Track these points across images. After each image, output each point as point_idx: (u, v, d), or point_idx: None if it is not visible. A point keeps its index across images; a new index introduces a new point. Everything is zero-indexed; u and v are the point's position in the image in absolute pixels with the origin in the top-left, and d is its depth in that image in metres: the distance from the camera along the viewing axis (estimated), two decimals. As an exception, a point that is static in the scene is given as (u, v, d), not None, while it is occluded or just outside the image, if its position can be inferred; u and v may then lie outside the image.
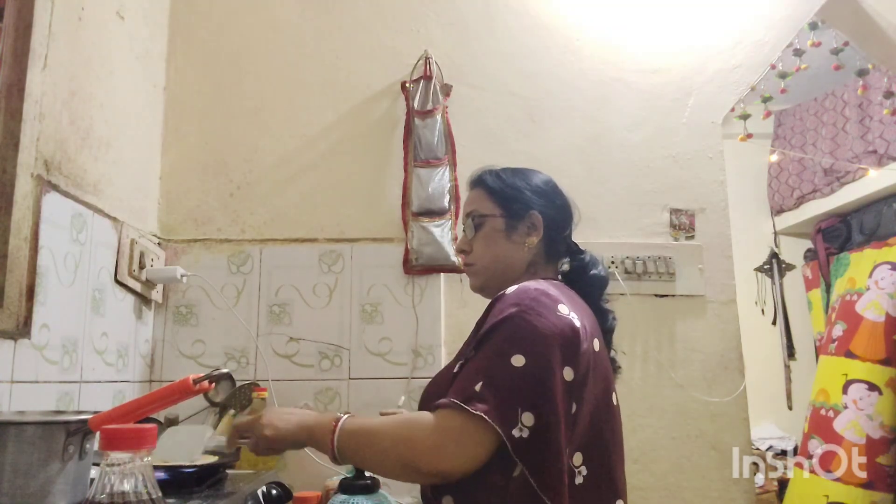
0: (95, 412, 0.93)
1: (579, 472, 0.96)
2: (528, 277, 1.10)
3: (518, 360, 0.91)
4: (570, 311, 0.98)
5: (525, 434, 0.87)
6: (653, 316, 1.91)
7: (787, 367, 3.65)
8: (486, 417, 0.86)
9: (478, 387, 0.89)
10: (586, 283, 1.14)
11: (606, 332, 1.13)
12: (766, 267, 3.75)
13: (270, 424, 1.01)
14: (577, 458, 0.96)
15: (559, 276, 1.15)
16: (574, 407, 0.95)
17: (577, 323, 0.97)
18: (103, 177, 1.55)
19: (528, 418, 0.88)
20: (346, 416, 0.97)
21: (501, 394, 0.89)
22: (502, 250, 1.14)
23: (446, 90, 1.94)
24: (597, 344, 1.02)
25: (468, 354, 0.98)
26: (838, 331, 2.85)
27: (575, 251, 1.18)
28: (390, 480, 1.31)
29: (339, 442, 0.95)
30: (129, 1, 1.70)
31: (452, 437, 0.88)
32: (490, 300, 1.04)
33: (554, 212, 1.16)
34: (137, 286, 1.68)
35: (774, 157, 3.81)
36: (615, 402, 1.06)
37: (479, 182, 1.20)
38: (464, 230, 1.21)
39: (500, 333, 0.94)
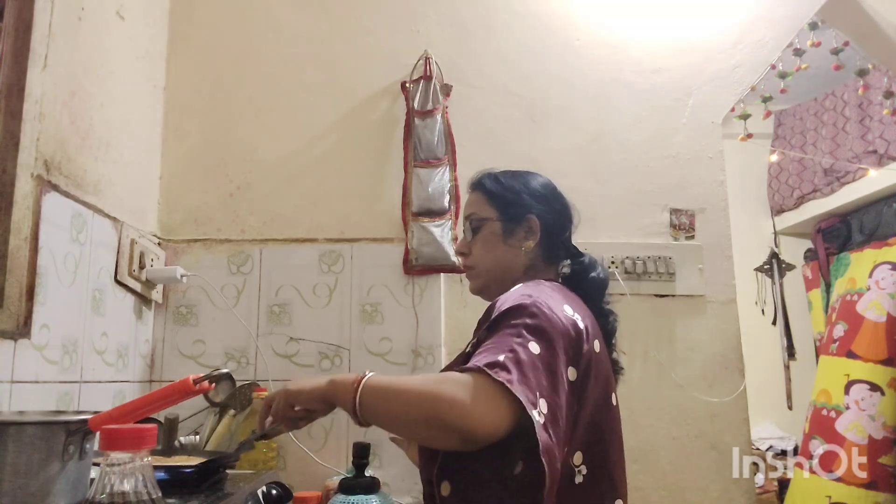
0: (95, 412, 0.93)
1: (579, 472, 0.96)
2: (527, 280, 1.10)
3: (535, 348, 0.89)
4: (574, 312, 0.99)
5: (542, 420, 0.84)
6: (653, 316, 1.91)
7: (787, 367, 3.65)
8: (508, 385, 0.83)
9: (501, 357, 0.87)
10: (586, 285, 1.14)
11: (608, 334, 1.13)
12: (766, 267, 3.75)
13: (296, 382, 1.01)
14: (577, 458, 0.96)
15: (559, 279, 1.16)
16: (575, 407, 0.95)
17: (581, 324, 0.97)
18: (103, 177, 1.55)
19: (543, 405, 0.86)
20: (371, 373, 0.95)
21: (524, 371, 0.86)
22: (500, 254, 1.15)
23: (446, 90, 1.94)
24: (597, 345, 1.02)
25: (482, 336, 0.96)
26: (839, 331, 2.85)
27: (574, 254, 1.18)
28: (390, 480, 1.32)
29: (361, 397, 0.92)
30: (129, 1, 1.70)
31: (481, 396, 0.84)
32: (488, 303, 1.04)
33: (552, 215, 1.16)
34: (137, 286, 1.68)
35: (774, 157, 3.81)
36: (615, 403, 1.06)
37: (478, 185, 1.21)
38: (464, 232, 1.22)
39: (516, 316, 0.93)
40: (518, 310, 0.94)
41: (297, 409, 1.01)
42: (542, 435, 0.83)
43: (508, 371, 0.85)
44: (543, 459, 0.82)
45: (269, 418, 1.04)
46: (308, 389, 0.99)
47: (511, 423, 0.85)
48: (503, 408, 0.84)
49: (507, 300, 0.97)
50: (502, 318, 0.94)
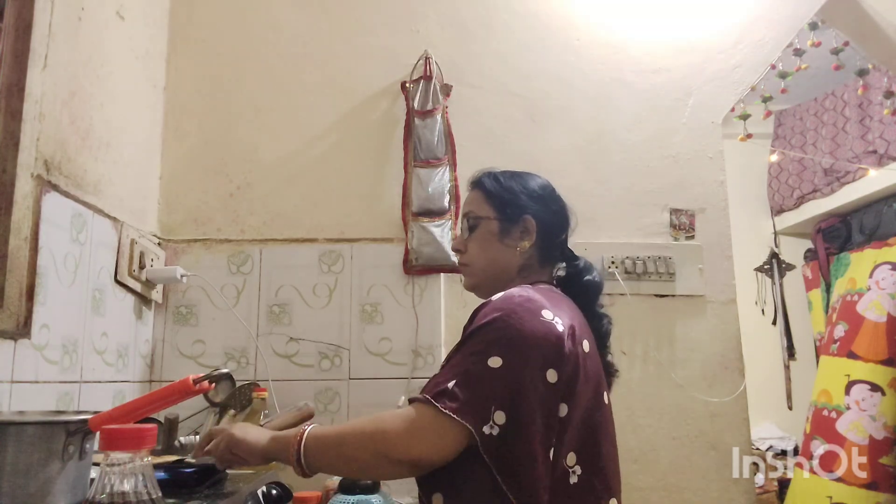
0: (95, 412, 0.93)
1: (573, 472, 0.96)
2: (521, 281, 1.11)
3: (495, 362, 0.92)
4: (555, 316, 0.98)
5: (496, 432, 0.88)
6: (653, 316, 1.91)
7: (787, 367, 3.65)
8: (453, 415, 0.88)
9: (450, 384, 0.91)
10: (581, 288, 1.14)
11: (601, 337, 1.14)
12: (766, 267, 3.75)
13: (242, 430, 1.04)
14: (571, 459, 0.96)
15: (554, 281, 1.16)
16: (565, 409, 0.95)
17: (561, 328, 0.97)
18: (103, 177, 1.56)
19: (500, 416, 0.89)
20: (311, 426, 0.99)
21: (474, 392, 0.90)
22: (495, 253, 1.15)
23: (446, 90, 1.94)
24: (587, 345, 1.02)
25: (451, 352, 1.01)
26: (840, 331, 2.85)
27: (570, 257, 1.19)
28: (391, 481, 1.31)
29: (305, 448, 0.96)
30: (129, 1, 1.70)
31: (424, 426, 0.90)
32: (482, 301, 1.05)
33: (549, 217, 1.16)
34: (137, 286, 1.68)
35: (774, 157, 3.81)
36: (606, 402, 1.07)
37: (477, 183, 1.21)
38: (461, 229, 1.23)
39: (480, 336, 0.96)
40: (484, 327, 0.97)
41: (234, 454, 1.04)
42: (491, 447, 0.88)
43: (454, 398, 0.90)
44: (491, 465, 0.88)
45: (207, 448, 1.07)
46: (249, 442, 1.02)
47: (462, 444, 0.90)
48: (448, 434, 0.90)
49: (482, 314, 1.00)
50: (469, 336, 0.98)
